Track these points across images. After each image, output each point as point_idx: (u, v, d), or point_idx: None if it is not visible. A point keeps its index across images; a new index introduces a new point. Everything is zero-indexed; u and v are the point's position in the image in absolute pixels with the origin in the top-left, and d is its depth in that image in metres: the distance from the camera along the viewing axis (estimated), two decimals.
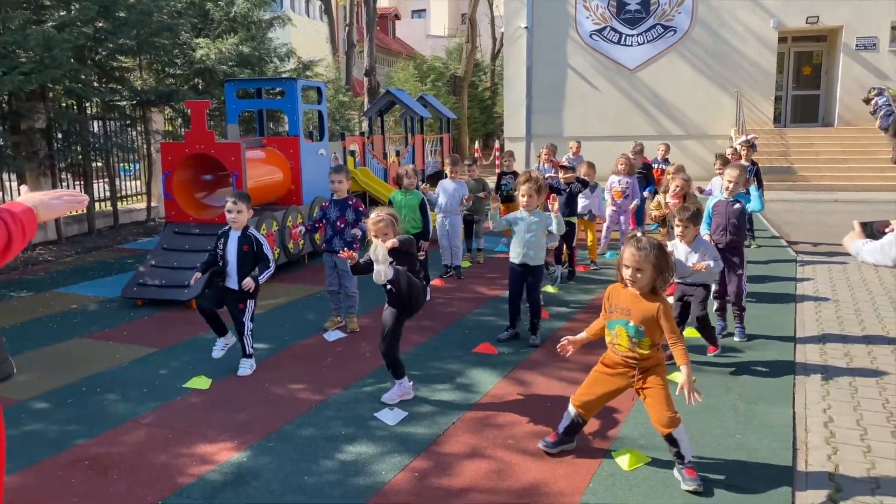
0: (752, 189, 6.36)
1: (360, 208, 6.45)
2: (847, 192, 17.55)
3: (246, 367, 5.48)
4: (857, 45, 20.75)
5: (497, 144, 23.50)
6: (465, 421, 4.55)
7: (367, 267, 4.71)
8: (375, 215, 4.68)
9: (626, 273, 3.81)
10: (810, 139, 20.41)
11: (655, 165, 11.80)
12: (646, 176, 10.93)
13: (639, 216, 10.91)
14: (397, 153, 13.86)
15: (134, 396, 5.04)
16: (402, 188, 7.63)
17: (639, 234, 3.89)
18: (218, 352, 5.55)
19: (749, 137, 19.76)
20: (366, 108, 23.22)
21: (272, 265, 5.46)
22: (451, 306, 7.28)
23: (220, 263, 5.45)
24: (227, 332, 5.56)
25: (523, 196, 5.93)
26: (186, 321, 6.89)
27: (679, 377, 3.76)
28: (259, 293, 5.54)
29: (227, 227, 5.48)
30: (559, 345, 4.02)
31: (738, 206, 6.06)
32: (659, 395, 3.83)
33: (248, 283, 5.26)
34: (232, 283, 5.41)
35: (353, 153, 11.99)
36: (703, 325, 5.53)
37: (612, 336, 3.89)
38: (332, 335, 6.34)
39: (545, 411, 4.68)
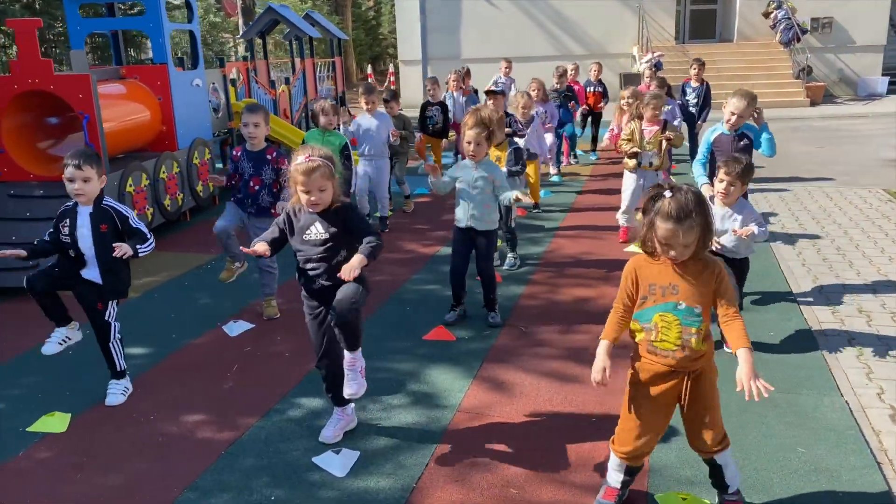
0: (765, 131, 5.26)
1: (282, 166, 4.85)
2: None
3: (118, 392, 3.94)
4: None
5: (391, 69, 21.69)
6: (441, 461, 3.29)
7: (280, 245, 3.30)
8: (305, 158, 3.06)
9: (667, 252, 2.61)
10: (712, 55, 19.88)
11: (590, 88, 10.69)
12: (570, 98, 9.83)
13: (557, 152, 9.83)
14: (287, 81, 11.98)
15: None
16: (320, 127, 6.08)
17: (667, 195, 2.59)
18: (52, 346, 3.88)
19: (654, 56, 19.12)
20: (241, 30, 20.75)
21: (151, 238, 3.87)
22: (383, 272, 5.91)
23: (72, 253, 3.80)
24: (69, 320, 3.93)
25: (469, 143, 4.57)
26: (29, 320, 5.20)
27: (739, 363, 2.60)
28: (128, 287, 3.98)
29: (71, 203, 3.83)
30: (596, 382, 2.70)
31: (745, 142, 5.00)
32: (711, 406, 2.74)
33: (124, 248, 3.63)
34: (92, 273, 3.81)
35: (233, 82, 10.08)
36: None
37: (652, 332, 2.69)
38: (236, 327, 4.87)
39: (542, 432, 3.50)
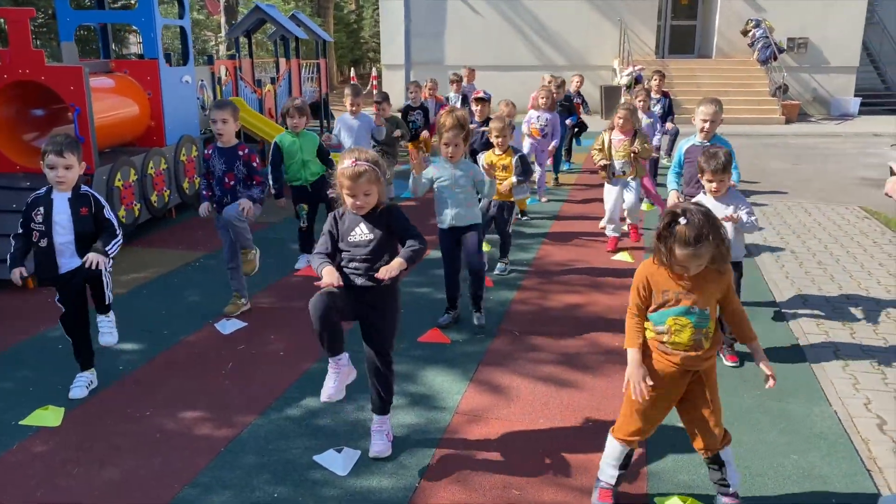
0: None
1: (254, 162, 4.90)
2: (728, 126, 17.49)
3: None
4: None
5: (374, 72, 21.69)
6: (442, 462, 3.31)
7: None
8: (351, 163, 3.05)
9: (684, 271, 2.69)
10: (692, 71, 20.25)
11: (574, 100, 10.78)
12: (568, 109, 9.90)
13: (556, 158, 9.91)
14: (273, 80, 11.94)
15: None
16: (289, 128, 5.98)
17: (682, 221, 2.62)
18: (80, 391, 3.91)
19: (635, 69, 19.41)
20: (224, 29, 20.62)
21: (120, 233, 3.85)
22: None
23: (43, 243, 3.74)
24: (92, 363, 4.01)
25: (447, 145, 4.60)
26: (20, 310, 5.12)
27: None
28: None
29: (43, 190, 3.81)
30: (640, 393, 2.76)
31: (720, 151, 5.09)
32: (713, 403, 2.82)
33: (94, 258, 3.63)
34: (71, 260, 3.77)
35: (219, 80, 10.02)
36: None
37: (666, 333, 2.76)
38: (229, 325, 4.84)
39: (541, 435, 3.54)
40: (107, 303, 3.97)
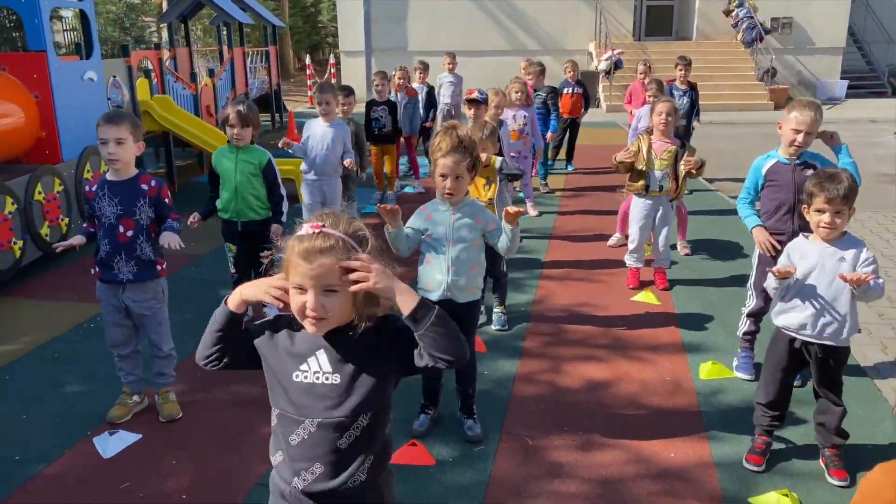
0: (844, 154, 3.99)
1: (165, 198, 3.40)
2: (716, 112, 16.32)
3: None
4: None
5: (332, 59, 20.05)
6: None
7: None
8: (311, 227, 1.66)
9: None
10: (673, 54, 18.88)
11: (567, 90, 9.30)
12: (547, 104, 8.41)
13: (543, 160, 8.51)
14: (211, 73, 10.30)
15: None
16: (230, 142, 4.42)
17: None
18: None
19: (614, 53, 18.07)
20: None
21: None
22: None
23: None
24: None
25: (444, 177, 3.08)
26: None
27: None
28: None
29: None
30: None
31: (808, 172, 3.74)
32: None
33: None
34: None
35: (148, 73, 8.40)
36: (840, 433, 3.11)
37: None
38: (112, 443, 3.33)
39: None
40: None
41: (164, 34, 23.40)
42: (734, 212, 7.55)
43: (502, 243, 3.16)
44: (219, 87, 10.50)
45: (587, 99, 9.46)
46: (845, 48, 19.86)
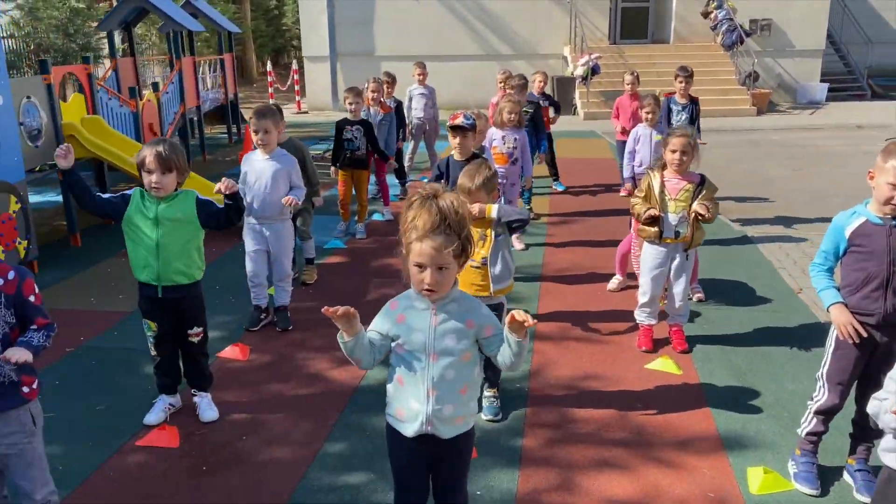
0: None
1: (30, 296, 2.43)
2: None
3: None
4: None
5: (295, 66, 19.02)
6: None
7: None
8: None
9: None
10: (650, 57, 18.28)
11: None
12: (534, 120, 7.55)
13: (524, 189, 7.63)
14: (155, 86, 9.24)
15: None
16: (148, 189, 3.44)
17: None
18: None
19: (591, 58, 17.30)
20: None
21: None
22: (279, 444, 3.53)
23: None
24: None
25: (420, 267, 2.16)
26: None
27: None
28: None
29: None
30: None
31: None
32: None
33: None
34: None
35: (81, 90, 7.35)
36: None
37: None
38: None
39: None
40: None
41: (117, 41, 22.16)
42: (741, 240, 6.94)
43: (503, 357, 2.25)
44: (165, 101, 9.46)
45: (556, 107, 8.60)
46: (826, 50, 19.37)
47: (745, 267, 6.03)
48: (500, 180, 5.77)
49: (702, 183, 4.27)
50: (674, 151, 4.17)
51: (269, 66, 18.40)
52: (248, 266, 4.78)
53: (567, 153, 10.86)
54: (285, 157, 4.73)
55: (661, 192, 4.28)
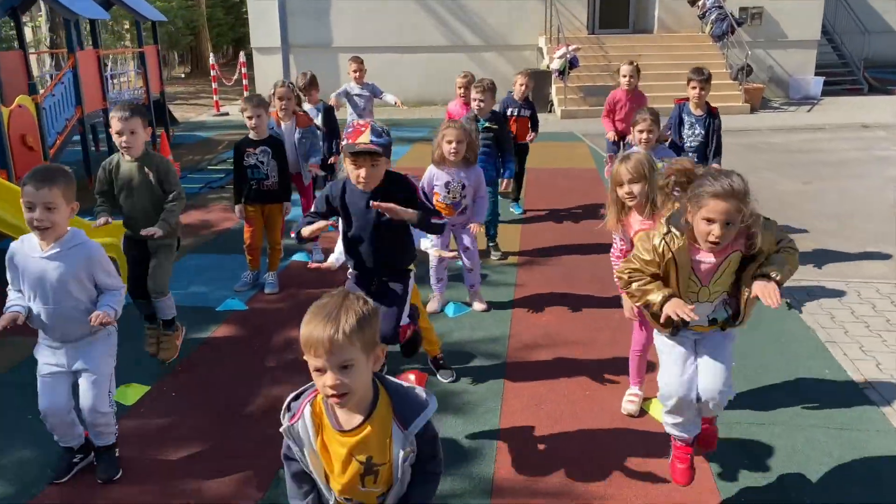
0: None
1: None
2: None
3: None
4: None
5: (242, 58, 17.21)
6: None
7: None
8: None
9: None
10: (633, 49, 16.68)
11: (511, 111, 6.81)
12: (498, 138, 5.88)
13: (492, 220, 5.99)
14: (32, 88, 7.43)
15: None
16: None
17: None
18: None
19: (569, 50, 15.66)
20: (44, 9, 15.79)
21: None
22: None
23: None
24: None
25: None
26: None
27: None
28: None
29: None
30: None
31: None
32: None
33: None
34: None
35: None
36: None
37: None
38: None
39: None
40: None
41: (44, 30, 20.12)
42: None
43: None
44: (51, 105, 7.69)
45: (535, 122, 6.95)
46: (821, 41, 17.97)
47: (780, 342, 4.45)
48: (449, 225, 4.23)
49: (749, 242, 2.64)
50: (713, 221, 2.54)
51: (212, 59, 16.52)
52: (42, 400, 3.04)
53: (542, 162, 9.24)
54: (77, 247, 2.95)
55: (690, 273, 2.67)
